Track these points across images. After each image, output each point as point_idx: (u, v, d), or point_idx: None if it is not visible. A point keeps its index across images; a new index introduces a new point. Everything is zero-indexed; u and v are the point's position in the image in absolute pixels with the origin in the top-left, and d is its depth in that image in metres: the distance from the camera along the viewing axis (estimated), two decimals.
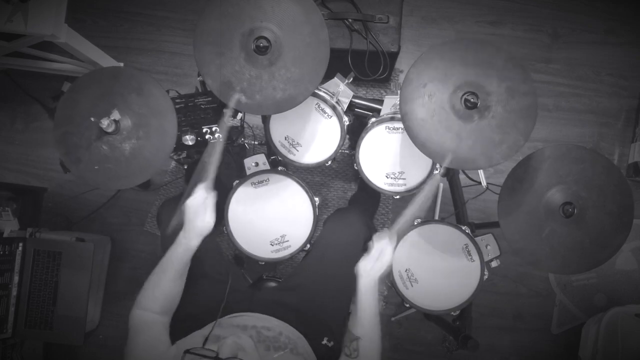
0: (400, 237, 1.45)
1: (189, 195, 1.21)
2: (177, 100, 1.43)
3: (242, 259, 1.78)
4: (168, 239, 1.39)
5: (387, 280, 1.47)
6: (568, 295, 2.17)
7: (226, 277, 1.37)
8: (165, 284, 1.21)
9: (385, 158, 1.45)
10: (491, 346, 2.16)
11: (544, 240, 1.26)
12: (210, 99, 1.41)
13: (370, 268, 1.18)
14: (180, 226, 1.22)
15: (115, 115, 1.18)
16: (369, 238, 1.59)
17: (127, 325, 1.18)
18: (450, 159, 1.16)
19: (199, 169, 1.20)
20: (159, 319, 1.21)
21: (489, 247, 1.46)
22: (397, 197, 1.47)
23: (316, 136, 1.47)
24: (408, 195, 1.47)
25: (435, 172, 1.42)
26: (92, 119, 1.17)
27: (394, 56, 1.94)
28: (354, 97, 1.51)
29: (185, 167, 1.65)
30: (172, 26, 2.38)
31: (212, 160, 1.19)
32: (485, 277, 1.42)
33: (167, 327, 1.22)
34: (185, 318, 1.27)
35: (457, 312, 1.45)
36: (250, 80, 1.20)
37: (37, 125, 2.37)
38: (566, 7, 2.30)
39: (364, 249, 1.26)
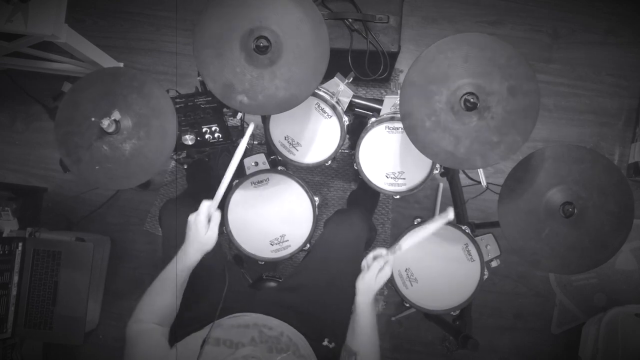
0: (398, 238, 1.46)
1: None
2: (177, 100, 1.43)
3: (242, 258, 1.78)
4: (170, 241, 1.39)
5: (387, 280, 1.47)
6: (568, 295, 2.17)
7: (224, 278, 1.37)
8: (163, 298, 1.21)
9: (385, 158, 1.45)
10: (491, 346, 2.16)
11: (544, 240, 1.26)
12: (210, 98, 1.41)
13: (369, 285, 1.19)
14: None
15: (116, 115, 1.18)
16: (370, 239, 1.59)
17: (125, 333, 1.18)
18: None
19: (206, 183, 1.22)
20: (157, 327, 1.20)
21: (489, 246, 1.46)
22: (397, 196, 1.47)
23: (316, 136, 1.46)
24: (408, 195, 1.47)
25: (435, 171, 1.42)
26: (93, 119, 1.17)
27: (394, 56, 1.94)
28: (354, 96, 1.51)
29: (185, 167, 1.65)
30: (172, 26, 2.38)
31: (225, 180, 1.21)
32: (485, 276, 1.42)
33: (166, 335, 1.22)
34: (184, 320, 1.26)
35: (457, 312, 1.45)
36: (251, 81, 1.20)
37: (37, 125, 2.37)
38: (566, 7, 2.30)
39: (366, 247, 1.26)
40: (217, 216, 1.21)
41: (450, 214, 1.19)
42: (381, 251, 1.22)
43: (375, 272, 1.19)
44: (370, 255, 1.23)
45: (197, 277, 1.31)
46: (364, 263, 1.23)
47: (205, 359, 1.08)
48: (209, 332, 1.15)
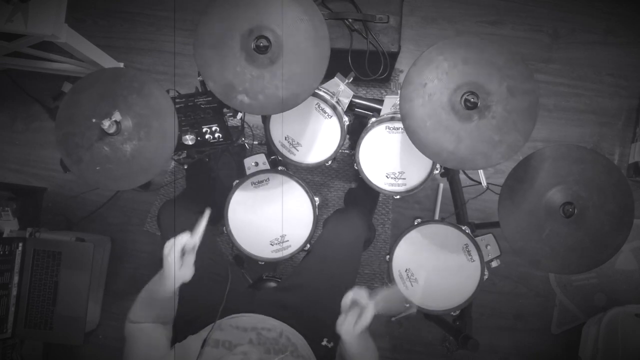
0: (398, 238, 1.45)
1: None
2: (177, 100, 1.43)
3: (242, 259, 1.78)
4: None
5: (387, 280, 1.48)
6: (568, 295, 2.17)
7: (225, 279, 1.37)
8: (155, 304, 1.19)
9: (386, 158, 1.45)
10: (491, 346, 2.16)
11: (544, 240, 1.26)
12: (210, 98, 1.41)
13: (352, 330, 1.08)
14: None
15: (117, 116, 1.18)
16: (369, 239, 1.59)
17: (124, 329, 1.17)
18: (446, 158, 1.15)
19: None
20: (156, 326, 1.20)
21: (489, 247, 1.46)
22: (397, 197, 1.47)
23: (316, 136, 1.46)
24: (408, 195, 1.47)
25: (436, 172, 1.42)
26: (94, 120, 1.17)
27: (394, 56, 1.94)
28: (354, 97, 1.51)
29: (185, 167, 1.65)
30: (172, 26, 2.38)
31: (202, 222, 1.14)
32: (486, 277, 1.42)
33: (167, 333, 1.21)
34: (185, 321, 1.26)
35: (457, 312, 1.45)
36: (252, 81, 1.20)
37: (37, 125, 2.37)
38: (566, 7, 2.30)
39: (365, 247, 1.23)
40: (192, 256, 1.13)
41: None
42: (360, 294, 1.08)
43: (352, 321, 1.07)
44: (349, 296, 1.09)
45: (197, 278, 1.31)
46: (343, 303, 1.10)
47: (204, 359, 1.09)
48: (209, 334, 1.15)
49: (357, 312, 1.07)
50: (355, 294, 1.08)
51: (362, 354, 1.12)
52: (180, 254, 1.11)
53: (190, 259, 1.13)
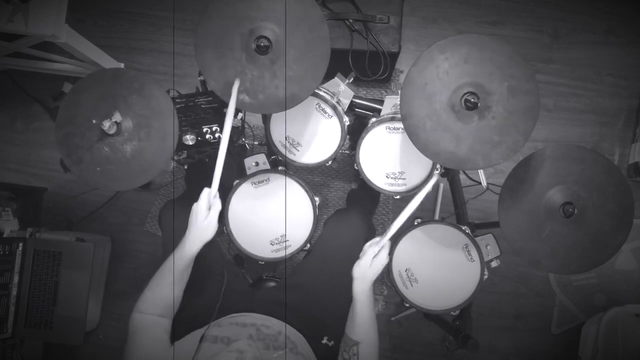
0: (398, 238, 1.46)
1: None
2: (178, 100, 1.43)
3: (242, 258, 1.78)
4: (170, 241, 1.39)
5: (387, 280, 1.48)
6: (568, 295, 2.17)
7: (223, 278, 1.37)
8: (166, 287, 1.21)
9: (386, 158, 1.45)
10: (491, 346, 2.16)
11: (544, 240, 1.26)
12: (210, 98, 1.41)
13: (365, 271, 1.20)
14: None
15: (117, 117, 1.18)
16: (369, 238, 1.59)
17: (127, 326, 1.18)
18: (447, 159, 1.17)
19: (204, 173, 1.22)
20: (159, 321, 1.21)
21: (489, 247, 1.46)
22: (398, 197, 1.47)
23: (316, 136, 1.47)
24: (408, 196, 1.47)
25: (436, 172, 1.42)
26: (94, 121, 1.17)
27: (394, 56, 1.94)
28: (354, 97, 1.51)
29: (186, 167, 1.65)
30: (172, 26, 2.38)
31: (218, 165, 1.19)
32: (485, 277, 1.42)
33: (168, 329, 1.22)
34: (185, 319, 1.27)
35: (457, 312, 1.45)
36: (252, 80, 1.20)
37: (37, 125, 2.37)
38: (566, 7, 2.30)
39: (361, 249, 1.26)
40: (217, 204, 1.22)
41: (431, 182, 1.19)
42: (376, 238, 1.24)
43: (370, 257, 1.21)
44: (367, 243, 1.25)
45: (198, 277, 1.31)
46: (361, 253, 1.25)
47: (202, 354, 1.09)
48: (207, 330, 1.16)
49: (375, 249, 1.21)
50: (371, 241, 1.25)
51: (368, 309, 1.19)
52: (206, 206, 1.21)
53: (215, 209, 1.22)
